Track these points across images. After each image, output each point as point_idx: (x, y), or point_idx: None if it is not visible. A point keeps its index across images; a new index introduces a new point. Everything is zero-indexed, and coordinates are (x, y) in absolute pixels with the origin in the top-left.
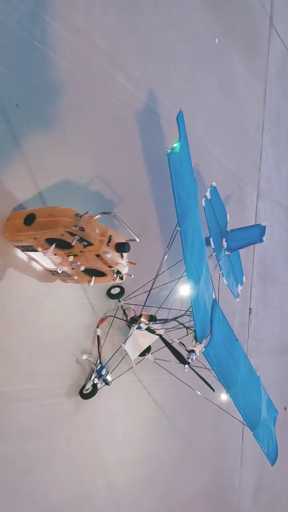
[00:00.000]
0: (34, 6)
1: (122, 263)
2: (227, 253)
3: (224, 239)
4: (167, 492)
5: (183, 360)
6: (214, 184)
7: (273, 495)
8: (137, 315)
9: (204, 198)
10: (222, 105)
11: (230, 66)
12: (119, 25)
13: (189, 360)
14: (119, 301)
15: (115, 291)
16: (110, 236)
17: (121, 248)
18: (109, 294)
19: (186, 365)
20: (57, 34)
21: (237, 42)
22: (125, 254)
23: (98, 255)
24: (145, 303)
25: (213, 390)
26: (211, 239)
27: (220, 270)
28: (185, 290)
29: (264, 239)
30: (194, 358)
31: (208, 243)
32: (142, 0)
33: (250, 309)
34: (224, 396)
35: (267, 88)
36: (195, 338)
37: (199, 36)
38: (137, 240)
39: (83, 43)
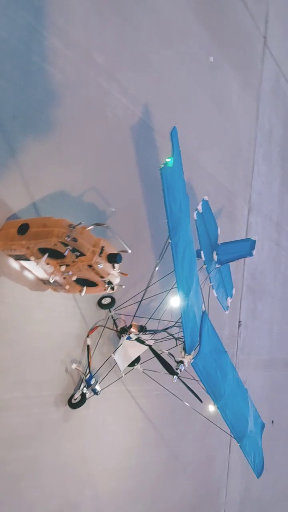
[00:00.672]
0: (33, 20)
1: (114, 274)
2: (217, 266)
3: (214, 252)
4: (153, 503)
5: (171, 371)
6: (206, 198)
7: (259, 509)
8: (127, 326)
9: (195, 212)
10: (215, 121)
11: (224, 83)
12: (116, 41)
13: (178, 371)
14: (110, 311)
15: (106, 301)
16: (103, 247)
17: (113, 259)
18: (100, 304)
19: (175, 376)
20: (55, 49)
21: (232, 60)
22: (116, 265)
23: (90, 266)
24: (135, 313)
25: (201, 401)
26: (202, 252)
27: (210, 282)
28: (175, 301)
29: (254, 253)
30: (183, 369)
31: (199, 256)
32: (139, 16)
33: (239, 322)
34: (211, 408)
35: (260, 105)
36: (184, 349)
37: (194, 53)
38: (129, 251)
39: (80, 57)
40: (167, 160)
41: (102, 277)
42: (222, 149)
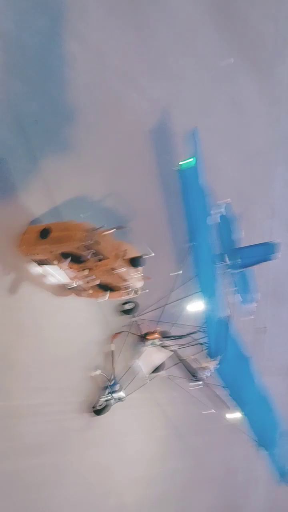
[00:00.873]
0: (53, 25)
1: (136, 277)
2: (240, 270)
3: (237, 256)
4: None
5: (196, 376)
6: (229, 200)
7: None
8: (151, 331)
9: (218, 215)
10: (235, 124)
11: (244, 86)
12: (134, 45)
13: (203, 377)
14: (133, 317)
15: (129, 306)
16: (125, 250)
17: (135, 262)
18: (123, 309)
19: (200, 382)
20: (74, 52)
21: (251, 62)
22: (139, 268)
23: (112, 269)
24: (159, 319)
25: (228, 407)
26: (225, 256)
27: (233, 287)
28: (198, 306)
29: (277, 256)
30: (208, 375)
31: (221, 260)
32: (157, 21)
33: (263, 327)
34: (237, 415)
35: (281, 107)
36: (209, 354)
37: (213, 56)
38: (152, 254)
39: (99, 61)
40: (188, 160)
41: (124, 281)
42: (242, 152)
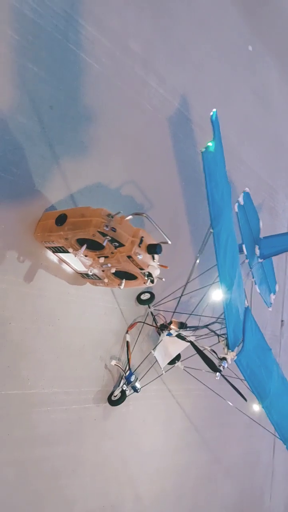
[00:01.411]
0: (69, 9)
1: (154, 265)
2: (260, 260)
3: (257, 246)
4: (195, 506)
5: (214, 368)
6: (247, 189)
7: None
8: (167, 322)
9: (237, 204)
10: (255, 113)
11: (265, 74)
12: (153, 30)
13: (221, 368)
14: (149, 307)
15: (145, 296)
16: (142, 237)
17: (153, 249)
18: (139, 299)
19: (218, 373)
20: (91, 37)
21: (272, 50)
22: (156, 257)
23: (129, 257)
24: (175, 309)
25: (245, 400)
26: (243, 246)
27: (253, 277)
28: (217, 295)
29: None
30: (226, 366)
31: (240, 250)
32: (176, 6)
33: (282, 321)
34: (256, 407)
35: None
36: (227, 345)
37: (233, 43)
38: (169, 242)
39: (116, 47)
40: (209, 144)
41: (141, 269)
42: (262, 143)
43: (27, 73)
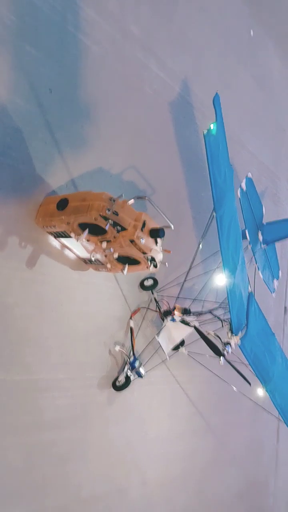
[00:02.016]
0: None
1: (157, 250)
2: (262, 246)
3: (259, 232)
4: (200, 490)
5: (218, 352)
6: (249, 175)
7: None
8: (171, 308)
9: (239, 190)
10: (256, 98)
11: (266, 59)
12: (153, 13)
13: (225, 353)
14: (152, 293)
15: (148, 282)
16: (144, 221)
17: (156, 233)
18: (142, 285)
19: (222, 358)
20: (90, 19)
21: (273, 35)
22: (159, 241)
23: (132, 241)
24: (178, 295)
25: (250, 384)
26: (246, 232)
27: (256, 263)
28: (220, 279)
29: None
30: (230, 351)
31: (243, 236)
32: None
33: (285, 307)
34: (260, 392)
35: None
36: (231, 330)
37: (234, 27)
38: (172, 227)
39: (116, 29)
40: (211, 126)
41: (144, 253)
42: (264, 129)
43: (25, 55)
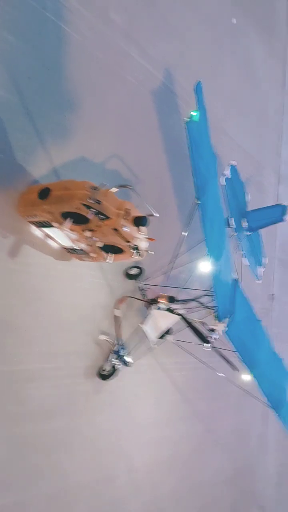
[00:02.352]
0: None
1: (140, 238)
2: (247, 233)
3: (244, 219)
4: (188, 476)
5: (204, 339)
6: (233, 162)
7: None
8: (157, 296)
9: (224, 177)
10: (240, 86)
11: (249, 47)
12: (135, 1)
13: (211, 339)
14: (138, 282)
15: (134, 271)
16: (128, 209)
17: (139, 222)
18: (127, 274)
19: (208, 344)
20: (70, 7)
21: (256, 23)
22: (143, 229)
23: (115, 229)
24: (164, 284)
25: (237, 370)
26: (232, 219)
27: (241, 250)
28: (205, 266)
29: (285, 219)
30: (216, 337)
31: (228, 224)
32: None
33: (272, 295)
34: (246, 377)
35: (287, 70)
36: (217, 317)
37: (217, 15)
38: (156, 214)
39: (97, 17)
40: (193, 114)
41: (128, 241)
42: (248, 117)
43: (4, 42)
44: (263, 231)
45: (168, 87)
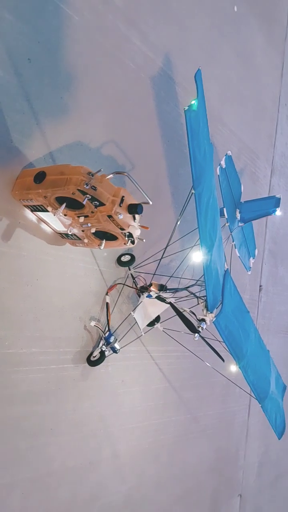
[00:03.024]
0: None
1: (134, 226)
2: (240, 224)
3: (237, 210)
4: (172, 463)
5: (193, 329)
6: (229, 153)
7: (278, 472)
8: (147, 284)
9: (219, 167)
10: (238, 76)
11: (248, 36)
12: None
13: (200, 329)
14: (129, 269)
15: (126, 258)
16: (123, 196)
17: (134, 209)
18: (119, 261)
19: (196, 334)
20: None
21: (257, 12)
22: (137, 217)
23: (109, 216)
24: (155, 272)
25: (223, 360)
26: (224, 209)
27: (233, 241)
28: (197, 256)
29: (278, 211)
30: (204, 327)
31: (221, 214)
32: None
33: (260, 286)
34: (233, 368)
35: (285, 61)
36: (206, 307)
37: (217, 2)
38: (150, 202)
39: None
40: (192, 102)
41: (122, 229)
42: (245, 106)
43: (4, 23)
44: (254, 222)
45: (166, 73)
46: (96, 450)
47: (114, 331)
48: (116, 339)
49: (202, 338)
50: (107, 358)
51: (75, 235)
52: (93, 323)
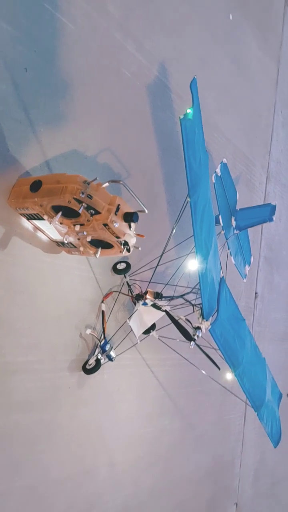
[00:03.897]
0: None
1: (130, 234)
2: (235, 231)
3: (233, 218)
4: (168, 471)
5: (188, 337)
6: (224, 160)
7: (274, 480)
8: (143, 292)
9: (214, 175)
10: (233, 83)
11: (243, 44)
12: None
13: (195, 337)
14: (125, 277)
15: (121, 266)
16: (118, 205)
17: (130, 218)
18: (114, 269)
19: (192, 342)
20: None
21: (252, 19)
22: (133, 225)
23: (105, 225)
24: (151, 279)
25: (219, 368)
26: (220, 217)
27: (228, 249)
28: (193, 264)
29: (274, 219)
30: (200, 335)
31: (217, 221)
32: None
33: (256, 293)
34: (229, 376)
35: (280, 68)
36: (202, 314)
37: (213, 10)
38: (146, 211)
39: (94, 8)
40: (188, 111)
41: (117, 237)
42: (240, 113)
43: (0, 32)
44: (249, 229)
45: (162, 81)
46: (92, 459)
47: (110, 339)
48: (112, 347)
49: (198, 346)
50: (102, 366)
51: (71, 243)
52: (88, 331)
